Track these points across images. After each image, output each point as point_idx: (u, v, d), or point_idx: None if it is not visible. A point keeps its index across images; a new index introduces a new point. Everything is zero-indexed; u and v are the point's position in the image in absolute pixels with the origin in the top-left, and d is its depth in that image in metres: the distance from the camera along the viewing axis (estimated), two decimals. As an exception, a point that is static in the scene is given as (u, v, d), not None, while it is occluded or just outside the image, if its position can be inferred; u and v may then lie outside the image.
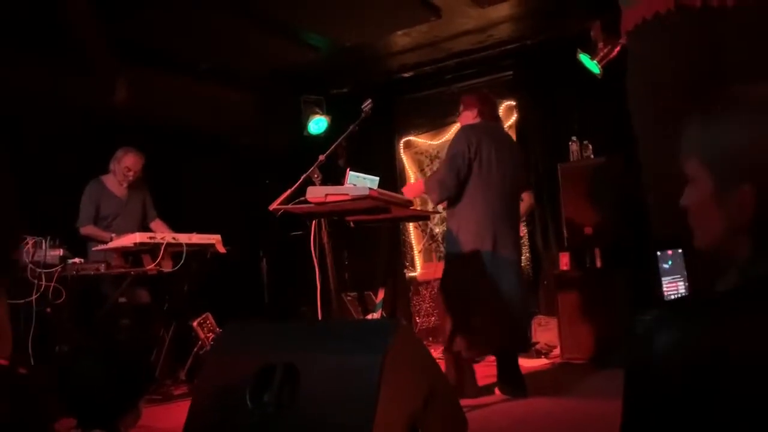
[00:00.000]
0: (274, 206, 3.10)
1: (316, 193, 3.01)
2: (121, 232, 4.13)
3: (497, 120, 3.86)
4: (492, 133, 3.63)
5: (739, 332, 0.80)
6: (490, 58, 5.88)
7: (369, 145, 5.91)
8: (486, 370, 3.72)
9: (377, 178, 3.72)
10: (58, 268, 3.66)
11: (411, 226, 6.55)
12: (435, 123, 6.39)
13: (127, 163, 4.55)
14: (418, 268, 6.50)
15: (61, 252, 3.70)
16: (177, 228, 4.49)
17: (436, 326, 5.71)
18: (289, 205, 3.08)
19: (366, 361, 1.62)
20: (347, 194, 2.97)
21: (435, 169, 6.50)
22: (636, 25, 1.97)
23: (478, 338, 3.44)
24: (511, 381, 3.48)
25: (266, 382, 1.72)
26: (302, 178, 3.21)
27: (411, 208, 3.67)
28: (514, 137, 5.57)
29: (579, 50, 4.54)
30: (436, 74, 6.20)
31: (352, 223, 3.67)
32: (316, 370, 1.68)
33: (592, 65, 4.47)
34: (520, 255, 3.76)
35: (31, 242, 3.61)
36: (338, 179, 3.82)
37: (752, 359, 0.77)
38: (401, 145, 6.67)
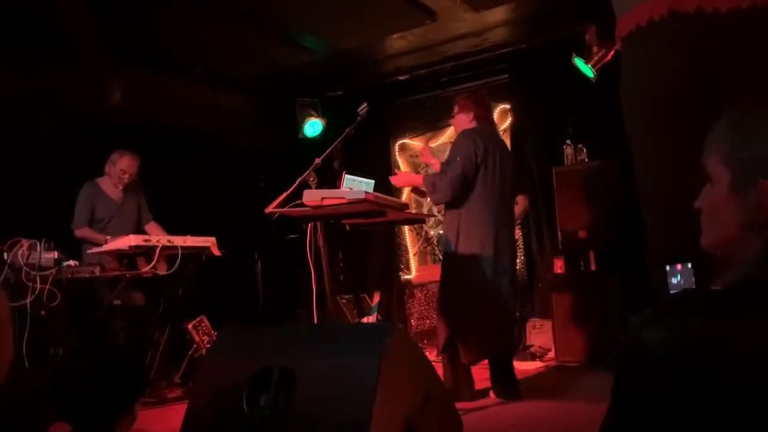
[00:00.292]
0: (270, 209, 3.10)
1: (312, 196, 3.01)
2: (116, 235, 4.12)
3: (493, 124, 3.88)
4: (493, 138, 3.65)
5: (735, 330, 0.80)
6: (486, 61, 5.89)
7: (364, 147, 5.91)
8: (482, 373, 3.72)
9: (373, 181, 3.73)
10: (53, 271, 3.64)
11: (406, 229, 6.55)
12: (430, 126, 6.40)
13: (122, 166, 4.54)
14: (413, 271, 6.50)
15: (55, 254, 3.69)
16: (172, 230, 4.48)
17: (431, 329, 5.71)
18: (286, 208, 3.09)
19: (362, 365, 1.63)
20: (343, 198, 2.98)
21: (429, 172, 6.51)
22: (630, 32, 1.98)
23: (478, 343, 3.45)
24: (506, 384, 3.49)
25: (263, 385, 1.72)
26: (298, 181, 3.21)
27: (406, 211, 3.68)
28: (509, 141, 5.59)
29: (574, 54, 4.56)
30: (432, 77, 6.22)
31: (348, 226, 3.67)
32: (312, 373, 1.69)
33: (587, 69, 4.49)
34: (516, 259, 3.77)
35: (25, 245, 3.59)
36: (334, 182, 3.83)
37: (746, 357, 0.77)
38: (396, 147, 6.67)
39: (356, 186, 3.55)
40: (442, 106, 5.94)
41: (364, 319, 5.15)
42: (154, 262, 3.92)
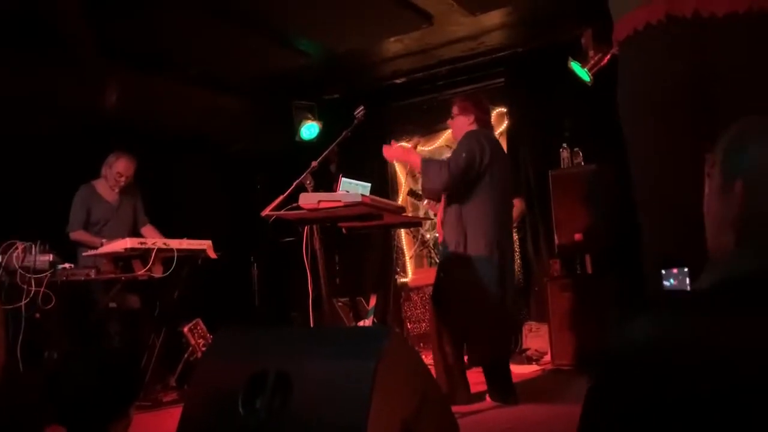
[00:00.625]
0: (266, 212, 3.10)
1: (308, 199, 3.01)
2: (111, 238, 4.11)
3: (491, 127, 3.88)
4: (495, 141, 3.65)
5: (705, 333, 0.80)
6: (482, 65, 5.91)
7: (361, 150, 5.91)
8: (478, 377, 3.72)
9: (369, 185, 3.73)
10: (48, 274, 3.63)
11: (402, 232, 6.55)
12: (427, 129, 6.41)
13: (119, 168, 4.53)
14: (409, 274, 6.50)
15: (50, 257, 3.67)
16: (168, 233, 4.48)
17: (428, 332, 5.71)
18: (282, 211, 3.09)
19: (359, 368, 1.62)
20: (340, 201, 2.98)
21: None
22: (628, 36, 1.99)
23: (485, 346, 3.44)
24: (503, 387, 3.48)
25: (258, 388, 1.71)
26: (294, 184, 3.21)
27: (403, 214, 3.67)
28: (505, 144, 5.59)
29: (570, 58, 4.57)
30: (428, 81, 6.23)
31: (344, 229, 3.67)
32: (308, 377, 1.68)
33: (583, 73, 4.51)
34: (514, 263, 3.77)
35: (20, 247, 3.58)
36: (330, 185, 3.82)
37: (714, 361, 0.77)
38: (393, 151, 6.67)
39: (353, 189, 3.56)
40: (439, 109, 5.95)
41: (361, 323, 5.15)
42: (149, 265, 3.91)
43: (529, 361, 4.88)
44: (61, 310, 3.69)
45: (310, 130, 6.22)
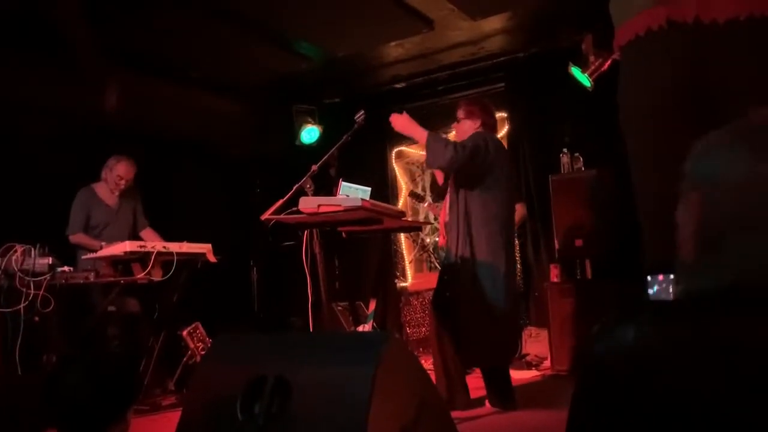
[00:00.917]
0: (266, 216, 3.10)
1: (308, 203, 3.01)
2: (111, 241, 4.10)
3: (496, 132, 3.88)
4: (501, 144, 3.65)
5: (668, 344, 0.83)
6: (482, 70, 5.91)
7: (361, 155, 5.92)
8: (477, 382, 3.71)
9: (369, 189, 3.72)
10: (47, 277, 3.62)
11: (402, 237, 6.55)
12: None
13: (119, 172, 4.53)
14: (409, 279, 6.50)
15: (50, 260, 3.67)
16: (168, 237, 4.47)
17: (427, 337, 5.70)
18: (282, 215, 3.08)
19: (358, 373, 1.62)
20: (340, 205, 2.98)
21: (426, 180, 6.52)
22: (629, 41, 1.99)
23: (492, 349, 3.43)
24: (502, 393, 3.47)
25: (257, 393, 1.70)
26: (295, 188, 3.21)
27: (403, 219, 3.66)
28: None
29: (570, 63, 4.58)
30: (429, 85, 6.23)
31: (344, 234, 3.66)
32: (307, 382, 1.68)
33: (584, 78, 4.51)
34: (516, 268, 3.77)
35: (20, 250, 3.57)
36: (330, 189, 3.82)
37: (678, 371, 0.80)
38: (393, 155, 6.68)
39: (353, 193, 3.55)
40: (439, 114, 5.95)
41: (360, 327, 5.13)
42: (149, 269, 3.90)
43: (529, 366, 4.87)
44: (60, 313, 3.69)
45: (310, 133, 6.22)
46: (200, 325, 4.55)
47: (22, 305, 3.49)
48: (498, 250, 3.42)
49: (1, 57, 4.47)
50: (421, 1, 4.64)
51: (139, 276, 3.96)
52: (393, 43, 5.40)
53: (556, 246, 4.83)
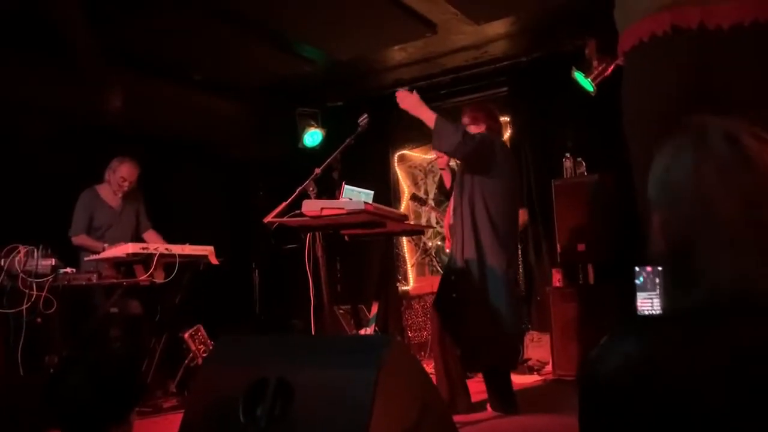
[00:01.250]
0: (269, 219, 3.10)
1: (311, 206, 3.01)
2: (114, 243, 4.11)
3: (502, 136, 3.88)
4: (507, 147, 3.66)
5: (670, 357, 0.84)
6: (485, 74, 5.91)
7: (363, 158, 5.92)
8: (479, 386, 3.71)
9: (372, 192, 3.73)
10: (50, 278, 3.63)
11: (404, 240, 6.55)
12: (429, 138, 6.37)
13: (122, 173, 4.54)
14: (411, 282, 6.49)
15: (52, 261, 3.67)
16: (170, 239, 4.48)
17: (429, 340, 5.70)
18: (285, 218, 3.09)
19: (360, 376, 1.62)
20: (343, 208, 2.98)
21: (429, 183, 6.52)
22: (633, 46, 1.98)
23: (497, 352, 3.43)
24: (504, 397, 3.47)
25: (259, 395, 1.70)
26: (298, 191, 3.21)
27: (405, 222, 3.66)
28: (508, 153, 5.60)
29: (573, 68, 4.57)
30: (432, 89, 6.21)
31: (346, 237, 3.66)
32: (309, 385, 1.68)
33: (587, 83, 4.50)
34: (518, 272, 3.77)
35: (23, 251, 3.58)
36: (333, 192, 3.82)
37: (676, 385, 0.81)
38: (395, 158, 6.68)
39: (356, 196, 3.55)
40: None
41: (362, 330, 5.13)
42: (151, 270, 3.90)
43: (531, 371, 4.87)
44: (62, 314, 3.69)
45: (313, 137, 6.23)
46: (202, 328, 4.55)
47: (24, 306, 3.50)
48: (501, 254, 3.42)
49: (1, 57, 4.48)
50: (424, 4, 4.64)
51: (141, 278, 3.97)
52: (396, 47, 5.40)
53: (558, 250, 4.83)
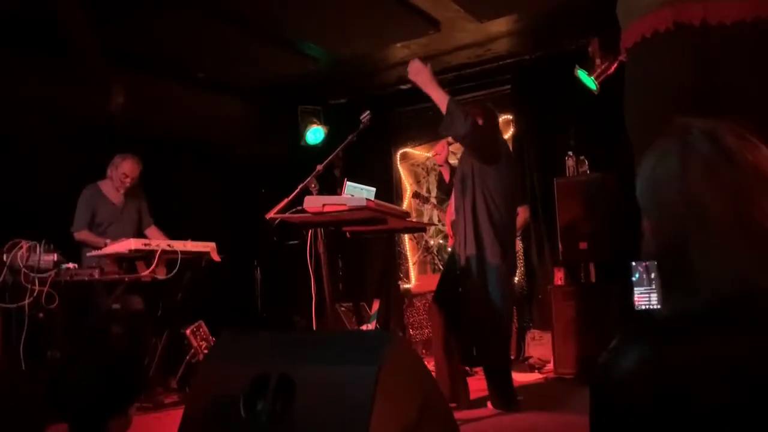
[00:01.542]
0: (271, 215, 3.10)
1: (313, 202, 3.01)
2: (116, 239, 4.11)
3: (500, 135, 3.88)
4: (507, 145, 3.66)
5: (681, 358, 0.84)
6: (488, 72, 5.91)
7: (365, 155, 5.92)
8: (480, 384, 3.71)
9: (374, 189, 3.73)
10: (52, 273, 3.63)
11: (406, 238, 6.55)
12: (431, 135, 6.40)
13: (124, 170, 4.54)
14: (412, 280, 6.49)
15: (55, 257, 3.68)
16: (172, 235, 4.48)
17: (430, 338, 5.70)
18: (287, 214, 3.08)
19: (361, 373, 1.62)
20: (345, 205, 2.98)
21: (431, 181, 6.52)
22: (635, 43, 1.98)
23: (498, 349, 3.43)
24: (504, 395, 3.47)
25: (260, 391, 1.71)
26: (300, 187, 3.21)
27: (407, 219, 3.66)
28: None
29: (577, 66, 4.57)
30: (434, 87, 6.22)
31: (348, 234, 3.66)
32: (310, 381, 1.68)
33: (590, 81, 4.50)
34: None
35: (25, 246, 3.58)
36: (335, 189, 3.82)
37: (690, 384, 0.82)
38: (398, 156, 6.68)
39: (357, 193, 3.56)
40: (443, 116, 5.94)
41: (363, 327, 5.14)
42: (153, 266, 3.91)
43: (532, 369, 4.87)
44: (64, 309, 3.70)
45: (315, 134, 6.23)
46: (203, 324, 4.56)
47: (26, 301, 3.51)
48: (505, 253, 3.43)
49: (1, 57, 4.48)
50: (427, 2, 4.64)
51: (143, 274, 3.97)
52: (399, 44, 5.40)
53: (560, 249, 4.82)
